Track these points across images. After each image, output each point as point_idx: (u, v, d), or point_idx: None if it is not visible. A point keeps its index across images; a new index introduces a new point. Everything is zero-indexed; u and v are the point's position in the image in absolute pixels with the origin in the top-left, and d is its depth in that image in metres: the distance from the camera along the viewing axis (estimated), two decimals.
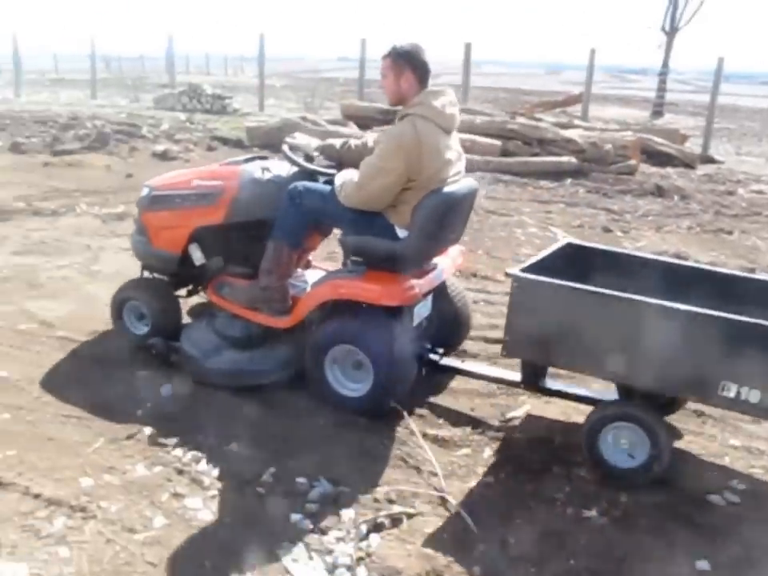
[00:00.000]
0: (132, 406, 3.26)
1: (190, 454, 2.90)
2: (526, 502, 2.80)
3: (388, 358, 3.16)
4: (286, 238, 3.38)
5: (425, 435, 3.17)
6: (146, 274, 3.93)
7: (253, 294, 3.50)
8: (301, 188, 3.33)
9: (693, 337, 2.68)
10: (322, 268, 4.01)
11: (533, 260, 3.24)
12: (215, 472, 2.82)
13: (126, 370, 3.58)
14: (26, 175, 8.23)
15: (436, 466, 2.92)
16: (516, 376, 3.35)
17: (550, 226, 7.09)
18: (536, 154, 10.21)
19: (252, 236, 3.56)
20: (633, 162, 10.22)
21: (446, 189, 3.16)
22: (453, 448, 3.13)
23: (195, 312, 4.00)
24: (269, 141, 10.31)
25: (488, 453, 3.10)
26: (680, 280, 3.27)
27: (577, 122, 13.18)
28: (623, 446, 2.91)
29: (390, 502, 2.73)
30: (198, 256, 3.69)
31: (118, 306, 3.87)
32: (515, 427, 3.33)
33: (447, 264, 3.59)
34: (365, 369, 3.25)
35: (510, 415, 3.41)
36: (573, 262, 3.44)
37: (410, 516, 2.65)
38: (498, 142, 10.24)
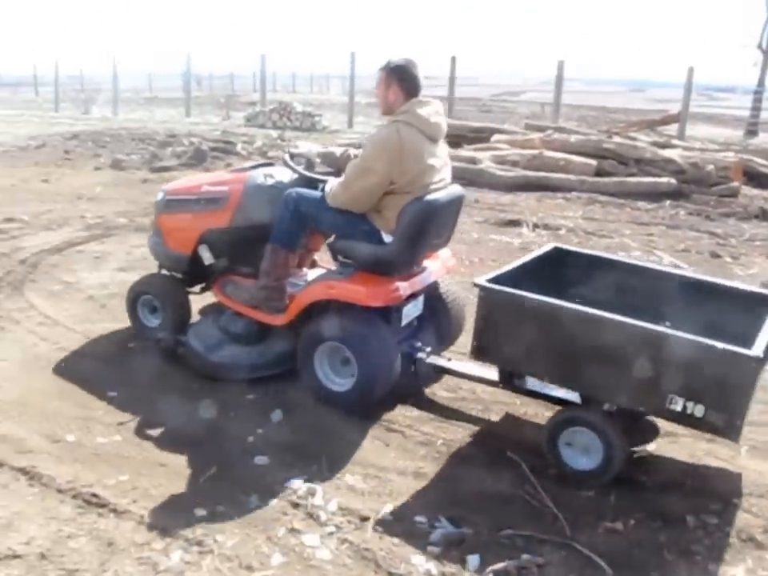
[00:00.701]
0: (242, 431, 3.17)
1: (305, 487, 2.78)
2: (663, 555, 2.56)
3: (371, 356, 3.31)
4: (282, 241, 3.55)
5: (546, 475, 2.97)
6: (164, 271, 4.14)
7: (253, 293, 3.67)
8: (294, 194, 3.51)
9: (639, 350, 2.70)
10: (326, 268, 4.09)
11: (516, 264, 3.36)
12: (331, 506, 2.68)
13: (236, 393, 3.50)
14: (127, 191, 8.40)
15: (559, 516, 2.72)
16: (495, 375, 3.36)
17: (654, 250, 6.76)
18: (632, 174, 9.84)
19: (255, 239, 3.68)
20: (735, 183, 9.72)
21: (430, 196, 3.28)
22: (577, 489, 2.92)
23: (206, 311, 4.21)
24: None
25: (614, 496, 2.87)
26: (666, 288, 3.34)
27: (674, 141, 12.68)
28: (579, 449, 2.95)
29: (516, 548, 2.54)
30: (206, 256, 3.90)
31: (133, 299, 4.11)
32: (642, 468, 3.08)
33: (437, 267, 3.72)
34: (351, 365, 3.38)
35: (636, 454, 3.17)
36: (560, 266, 3.58)
37: (539, 566, 2.45)
38: (593, 162, 9.91)
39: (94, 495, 2.69)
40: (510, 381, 3.30)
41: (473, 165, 9.84)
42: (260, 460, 2.96)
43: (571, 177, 9.56)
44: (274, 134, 13.16)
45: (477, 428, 3.33)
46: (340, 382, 3.45)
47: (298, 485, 2.80)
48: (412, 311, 3.67)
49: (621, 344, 2.74)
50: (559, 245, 3.81)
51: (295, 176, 3.77)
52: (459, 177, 9.53)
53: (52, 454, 2.97)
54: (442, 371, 3.68)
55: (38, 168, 9.94)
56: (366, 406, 3.39)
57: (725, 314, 3.01)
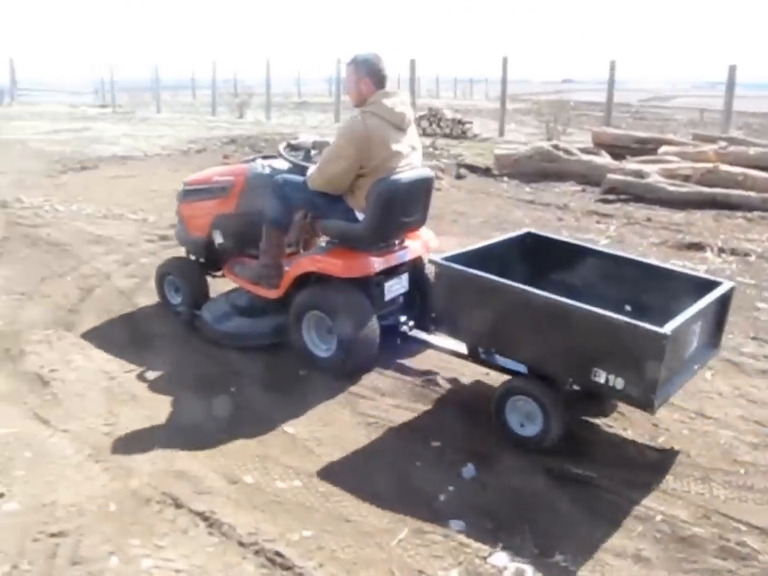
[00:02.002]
0: (432, 487, 2.83)
1: (513, 567, 2.40)
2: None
3: (349, 324, 3.64)
4: (273, 222, 3.92)
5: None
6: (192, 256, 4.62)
7: (254, 271, 4.11)
8: (281, 180, 3.90)
9: (565, 325, 2.87)
10: None
11: (480, 245, 3.62)
12: None
13: (420, 440, 3.18)
14: None
15: None
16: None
17: None
18: None
19: (258, 222, 4.01)
20: None
21: (393, 176, 3.62)
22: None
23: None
24: (519, 169, 9.81)
25: None
26: (630, 274, 3.50)
27: None
28: (521, 416, 3.14)
29: None
30: (218, 240, 4.35)
31: (160, 279, 4.68)
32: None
33: (417, 245, 4.06)
34: (333, 333, 3.74)
35: None
36: (533, 251, 3.81)
37: None
38: None
39: (278, 554, 2.43)
40: (475, 354, 3.50)
41: (639, 179, 9.13)
42: (456, 525, 2.61)
43: (752, 194, 8.65)
44: (426, 141, 12.89)
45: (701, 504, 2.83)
46: (323, 348, 3.83)
47: (504, 562, 2.42)
48: (396, 288, 4.00)
49: (550, 319, 2.93)
50: (532, 230, 3.97)
51: (289, 164, 4.16)
52: (624, 191, 8.97)
53: (231, 498, 2.76)
54: (422, 344, 3.91)
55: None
56: (344, 370, 3.71)
57: (675, 297, 3.07)
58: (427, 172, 3.90)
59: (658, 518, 2.70)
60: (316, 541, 2.53)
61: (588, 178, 9.52)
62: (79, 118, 20.25)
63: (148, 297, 4.99)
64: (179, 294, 4.58)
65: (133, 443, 3.14)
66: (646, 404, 2.76)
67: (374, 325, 3.72)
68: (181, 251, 4.86)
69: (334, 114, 19.33)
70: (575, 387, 3.10)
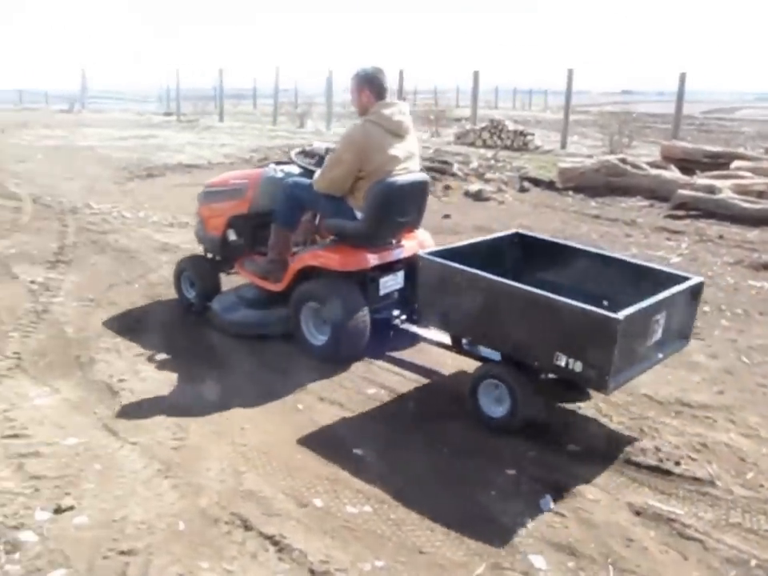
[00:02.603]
0: (508, 518, 2.71)
1: None
2: None
3: (342, 315, 3.91)
4: (282, 222, 4.28)
5: None
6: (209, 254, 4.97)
7: (262, 266, 4.44)
8: (290, 182, 4.25)
9: (530, 312, 3.09)
10: None
11: (467, 242, 3.88)
12: None
13: (495, 468, 3.05)
14: None
15: None
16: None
17: None
18: None
19: (268, 222, 4.38)
20: None
21: (389, 179, 3.93)
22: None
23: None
24: (584, 183, 9.57)
25: None
26: (607, 270, 3.68)
27: None
28: (492, 399, 3.35)
29: None
30: (232, 238, 4.72)
31: (177, 274, 4.99)
32: None
33: (412, 245, 4.27)
34: (327, 322, 4.03)
35: None
36: (521, 251, 4.02)
37: None
38: None
39: None
40: (459, 344, 3.70)
41: (711, 194, 8.81)
42: (537, 561, 2.47)
43: None
44: (488, 153, 12.74)
45: None
46: (319, 338, 4.11)
47: None
48: (391, 284, 4.25)
49: (516, 307, 3.16)
50: (520, 230, 4.19)
51: (300, 169, 4.47)
52: (694, 207, 8.66)
53: (300, 522, 2.67)
54: (413, 336, 4.16)
55: None
56: (337, 359, 4.00)
57: (649, 292, 3.15)
58: (422, 176, 4.21)
59: (753, 562, 2.52)
60: (389, 572, 2.43)
61: (656, 193, 9.23)
62: (145, 126, 20.68)
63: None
64: (194, 289, 4.91)
65: (201, 460, 3.09)
66: (601, 386, 2.96)
67: (364, 316, 3.99)
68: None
69: None
70: (546, 374, 3.31)
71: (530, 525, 2.67)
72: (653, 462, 3.08)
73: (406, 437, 3.31)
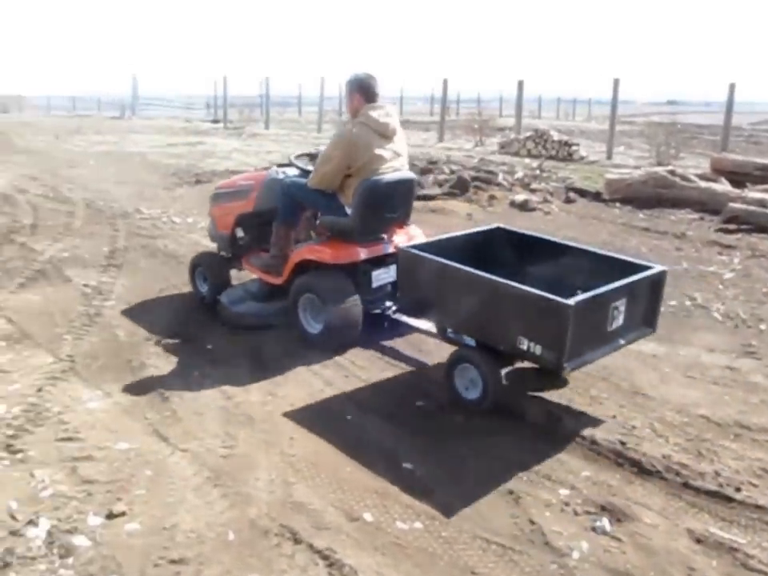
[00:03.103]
0: (564, 541, 2.61)
1: None
2: None
3: (335, 305, 4.18)
4: (281, 219, 4.60)
5: None
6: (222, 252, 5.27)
7: (265, 261, 4.79)
8: (288, 182, 4.59)
9: (495, 299, 3.36)
10: None
11: (448, 235, 4.20)
12: None
13: (551, 488, 2.96)
14: None
15: None
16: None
17: None
18: None
19: (271, 220, 4.68)
20: None
21: (376, 177, 4.21)
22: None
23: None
24: (632, 194, 9.38)
25: None
26: (582, 262, 3.88)
27: None
28: (466, 382, 3.60)
29: None
30: (240, 235, 5.03)
31: (192, 269, 5.34)
32: None
33: (403, 240, 4.46)
34: (322, 312, 4.28)
35: None
36: (502, 244, 4.24)
37: None
38: None
39: None
40: (443, 332, 3.91)
41: (763, 208, 8.56)
42: None
43: None
44: (533, 163, 12.58)
45: None
46: (315, 326, 4.35)
47: None
48: (383, 277, 4.48)
49: (481, 294, 3.44)
50: (501, 225, 4.45)
51: (299, 171, 4.76)
52: (745, 221, 8.42)
53: (350, 537, 2.63)
54: (404, 326, 4.41)
55: None
56: (331, 346, 4.25)
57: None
58: (409, 174, 4.47)
59: None
60: None
61: (706, 206, 9.00)
62: (193, 133, 20.96)
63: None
64: (206, 283, 5.20)
65: (250, 469, 3.07)
66: (558, 367, 3.20)
67: (356, 306, 4.25)
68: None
69: (438, 133, 19.20)
70: (514, 358, 3.57)
71: (586, 548, 2.59)
72: (712, 486, 2.96)
73: (456, 451, 3.24)
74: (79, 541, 2.57)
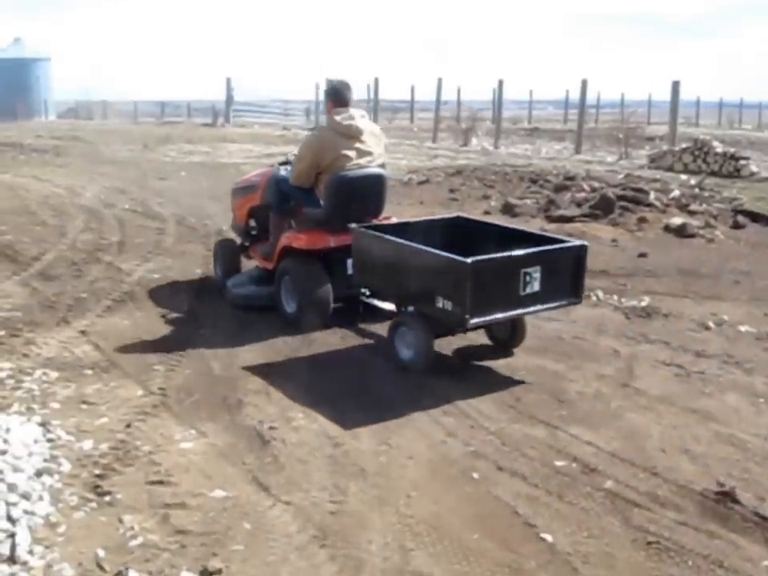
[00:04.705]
0: None
1: None
2: None
3: (306, 287, 5.38)
4: (274, 209, 5.89)
5: None
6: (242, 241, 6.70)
7: (264, 248, 6.02)
8: (279, 177, 5.85)
9: (415, 264, 4.61)
10: None
11: (406, 220, 5.86)
12: None
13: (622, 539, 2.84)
14: None
15: None
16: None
17: None
18: None
19: None
20: None
21: (342, 173, 5.38)
22: None
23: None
24: None
25: None
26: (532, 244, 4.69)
27: None
28: (404, 344, 4.72)
29: None
30: (252, 226, 6.46)
31: (214, 256, 6.76)
32: None
33: None
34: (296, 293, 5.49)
35: None
36: (461, 232, 5.32)
37: None
38: None
39: None
40: (400, 309, 5.10)
41: None
42: None
43: None
44: (692, 180, 12.24)
45: None
46: (292, 305, 5.52)
47: None
48: None
49: (404, 260, 4.66)
50: (462, 214, 6.12)
51: None
52: None
53: None
54: (375, 309, 5.64)
55: (423, 207, 10.32)
56: (303, 325, 5.35)
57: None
58: (376, 171, 5.55)
59: None
60: None
61: None
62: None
63: (371, 351, 5.09)
64: (220, 269, 6.54)
65: (362, 528, 3.09)
66: (462, 321, 4.26)
67: (326, 289, 5.40)
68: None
69: (574, 143, 19.01)
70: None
71: None
72: None
73: (603, 523, 3.14)
74: None
